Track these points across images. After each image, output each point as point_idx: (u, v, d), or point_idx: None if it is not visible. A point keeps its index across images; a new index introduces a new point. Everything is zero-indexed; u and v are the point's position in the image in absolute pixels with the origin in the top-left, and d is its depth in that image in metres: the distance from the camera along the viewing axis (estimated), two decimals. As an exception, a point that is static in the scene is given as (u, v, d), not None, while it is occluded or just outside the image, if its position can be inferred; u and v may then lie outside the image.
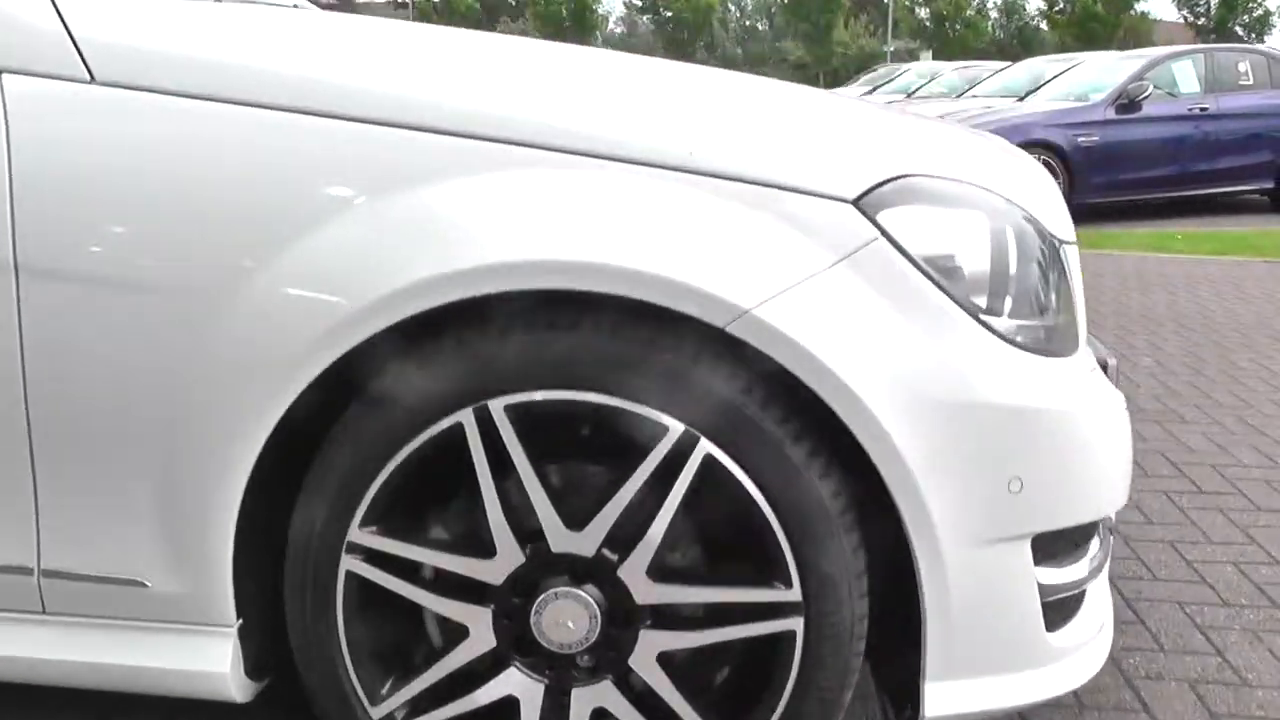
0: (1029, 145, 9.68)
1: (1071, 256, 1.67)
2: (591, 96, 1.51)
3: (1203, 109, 10.00)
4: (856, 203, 1.40)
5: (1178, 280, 6.71)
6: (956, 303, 1.41)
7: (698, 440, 1.40)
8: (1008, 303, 1.46)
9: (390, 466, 1.45)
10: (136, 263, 1.42)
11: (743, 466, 1.40)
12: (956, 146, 1.66)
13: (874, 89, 20.81)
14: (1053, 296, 1.53)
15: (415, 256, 1.37)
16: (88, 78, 1.43)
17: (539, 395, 1.41)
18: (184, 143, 1.42)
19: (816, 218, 1.38)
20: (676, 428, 1.40)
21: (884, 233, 1.39)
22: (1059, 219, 1.67)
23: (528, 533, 1.47)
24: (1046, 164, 9.65)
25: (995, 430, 1.39)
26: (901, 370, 1.36)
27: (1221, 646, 2.24)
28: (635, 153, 1.40)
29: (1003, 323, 1.44)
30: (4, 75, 1.44)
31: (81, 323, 1.43)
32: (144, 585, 1.51)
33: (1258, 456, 3.37)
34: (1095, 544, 1.60)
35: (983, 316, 1.42)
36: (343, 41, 1.63)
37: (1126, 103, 9.81)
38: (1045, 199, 1.66)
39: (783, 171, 1.40)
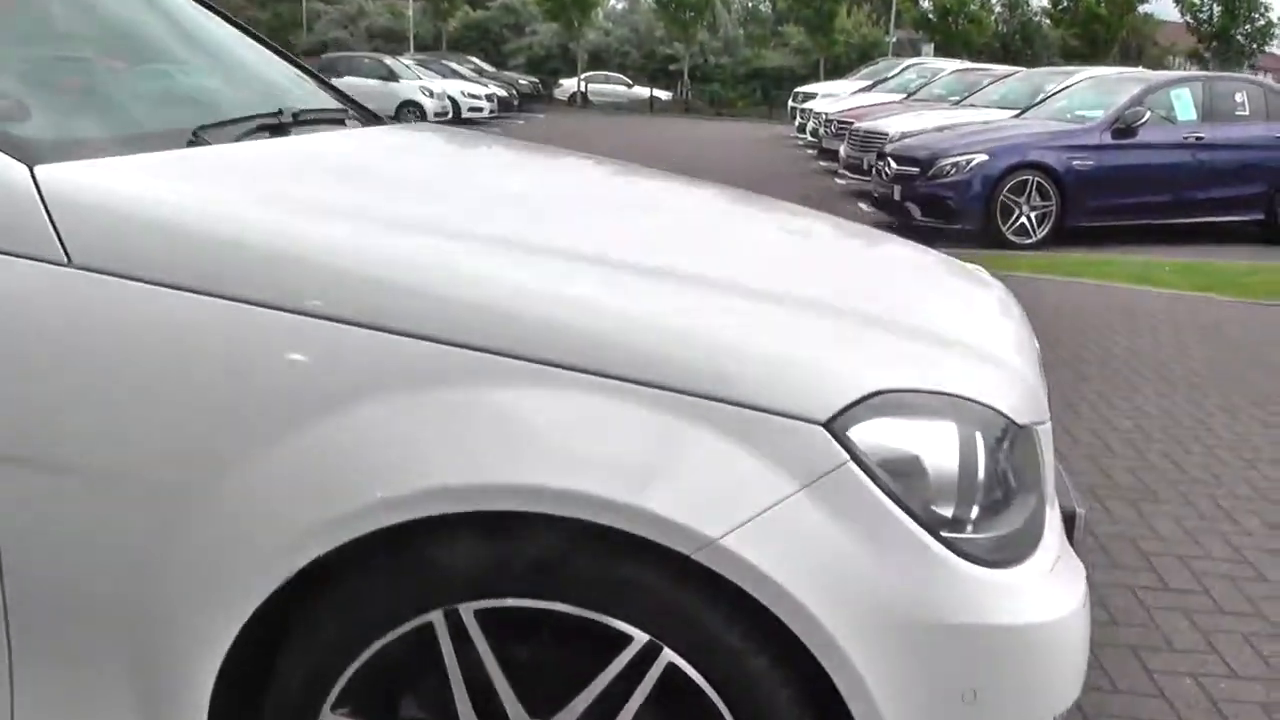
0: (1023, 166, 9.74)
1: (1044, 435, 1.69)
2: (570, 295, 1.48)
3: (1198, 138, 10.04)
4: (828, 424, 1.41)
5: (1163, 322, 6.75)
6: (920, 523, 1.42)
7: (661, 649, 1.43)
8: (973, 512, 1.48)
9: (362, 657, 1.48)
10: (110, 455, 1.43)
11: (704, 675, 1.43)
12: (934, 337, 1.66)
13: (874, 84, 20.79)
14: (1017, 498, 1.55)
15: (394, 469, 1.38)
16: (65, 260, 1.43)
17: (507, 603, 1.44)
18: (162, 333, 1.42)
19: (788, 440, 1.39)
20: (641, 638, 1.43)
21: (853, 455, 1.40)
22: (1035, 397, 1.68)
23: (495, 716, 1.50)
24: (1039, 186, 9.70)
25: (952, 648, 1.42)
26: (862, 593, 1.39)
27: (1175, 776, 2.29)
28: (611, 367, 1.40)
29: (965, 538, 1.46)
30: None
31: (55, 511, 1.44)
32: None
33: (1226, 549, 3.41)
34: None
35: (945, 534, 1.44)
36: (312, 219, 1.57)
37: (1123, 128, 9.84)
38: (1022, 378, 1.68)
39: (757, 392, 1.40)
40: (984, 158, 9.83)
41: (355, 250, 1.48)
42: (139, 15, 2.40)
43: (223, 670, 1.47)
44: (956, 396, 1.50)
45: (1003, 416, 1.55)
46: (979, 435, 1.51)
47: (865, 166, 13.51)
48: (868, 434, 1.42)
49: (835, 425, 1.41)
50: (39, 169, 1.46)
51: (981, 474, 1.49)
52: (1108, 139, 9.86)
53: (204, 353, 1.42)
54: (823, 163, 18.54)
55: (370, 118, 2.68)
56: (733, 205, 2.46)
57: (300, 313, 1.41)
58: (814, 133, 19.30)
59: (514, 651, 1.48)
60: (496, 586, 1.44)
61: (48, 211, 1.44)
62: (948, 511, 1.46)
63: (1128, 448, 4.31)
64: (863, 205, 12.93)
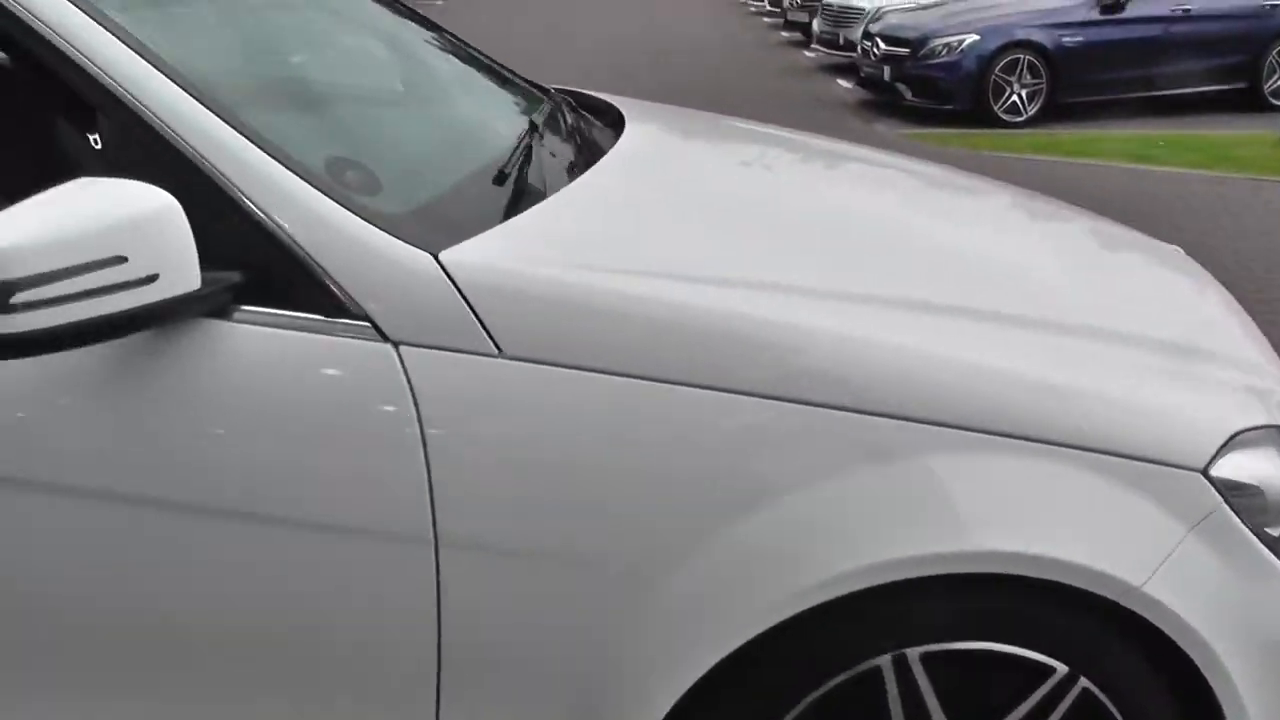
0: (1014, 45, 9.92)
1: None
2: (1003, 365, 1.61)
3: (1185, 10, 10.20)
4: (1204, 471, 1.59)
5: (1165, 207, 6.97)
6: (1268, 547, 1.63)
7: (1078, 678, 1.61)
8: None
9: (810, 698, 1.60)
10: (562, 536, 1.50)
11: (1109, 696, 1.63)
12: (1245, 363, 1.86)
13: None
14: None
15: (860, 539, 1.52)
16: (495, 351, 1.49)
17: (952, 646, 1.59)
18: (605, 416, 1.49)
19: (1174, 488, 1.57)
20: (1061, 669, 1.61)
21: (1223, 497, 1.59)
22: None
23: None
24: (1030, 64, 9.91)
25: None
26: (1238, 617, 1.60)
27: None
28: (1033, 432, 1.55)
29: None
30: (403, 348, 1.47)
31: (500, 590, 1.52)
32: None
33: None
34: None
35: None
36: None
37: (1110, 3, 10.02)
38: None
39: (1146, 444, 1.58)
40: (975, 38, 10.00)
41: (810, 332, 1.58)
42: (364, 46, 2.44)
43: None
44: (1270, 426, 1.72)
45: None
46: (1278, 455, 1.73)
47: (840, 42, 13.54)
48: (1224, 470, 1.61)
49: (1207, 470, 1.60)
50: (442, 256, 1.51)
51: None
52: (1095, 15, 10.02)
53: (647, 431, 1.51)
54: (785, 34, 18.36)
55: (537, 92, 2.56)
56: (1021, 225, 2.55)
57: (754, 395, 1.51)
58: (775, 0, 19.14)
59: (948, 683, 1.62)
60: (944, 633, 1.59)
61: (467, 302, 1.49)
62: (1276, 532, 1.66)
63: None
64: (842, 81, 12.97)
